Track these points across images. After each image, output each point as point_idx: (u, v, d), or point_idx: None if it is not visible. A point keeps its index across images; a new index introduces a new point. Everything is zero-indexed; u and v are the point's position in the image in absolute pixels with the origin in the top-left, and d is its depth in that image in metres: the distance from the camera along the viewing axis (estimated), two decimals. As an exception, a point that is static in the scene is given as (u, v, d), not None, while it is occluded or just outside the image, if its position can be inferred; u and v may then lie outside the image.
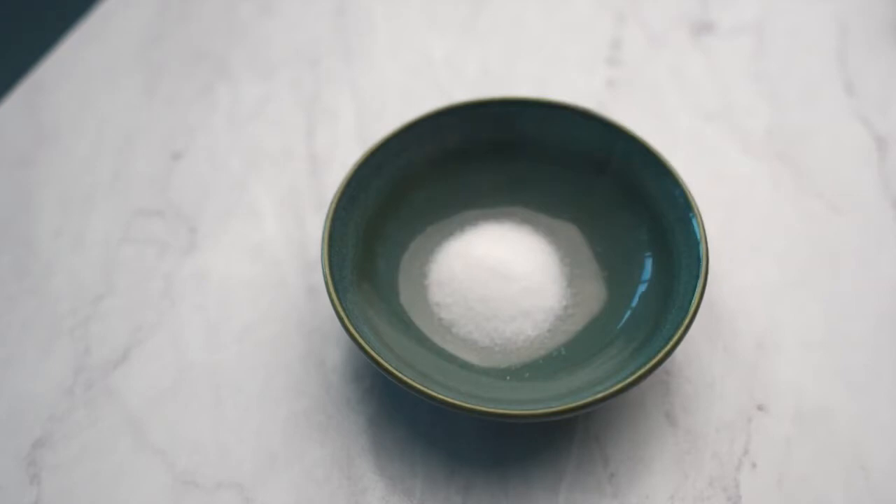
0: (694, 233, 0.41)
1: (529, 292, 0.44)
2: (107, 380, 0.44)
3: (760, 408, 0.42)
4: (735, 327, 0.45)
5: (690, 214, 0.42)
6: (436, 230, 0.47)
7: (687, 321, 0.38)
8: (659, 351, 0.38)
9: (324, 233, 0.42)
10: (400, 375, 0.37)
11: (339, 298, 0.40)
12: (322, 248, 0.41)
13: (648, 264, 0.44)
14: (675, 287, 0.41)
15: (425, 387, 0.37)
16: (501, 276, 0.44)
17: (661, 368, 0.41)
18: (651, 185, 0.44)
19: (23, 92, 0.56)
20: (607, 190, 0.46)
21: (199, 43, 0.59)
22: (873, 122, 0.53)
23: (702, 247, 0.41)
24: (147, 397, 0.43)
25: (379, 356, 0.38)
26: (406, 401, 0.42)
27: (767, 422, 0.42)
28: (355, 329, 0.39)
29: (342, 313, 0.39)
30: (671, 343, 0.38)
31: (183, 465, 0.41)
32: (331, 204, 0.43)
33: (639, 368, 0.38)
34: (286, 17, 0.61)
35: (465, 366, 0.42)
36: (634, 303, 0.43)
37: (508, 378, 0.42)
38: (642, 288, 0.43)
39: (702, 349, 0.44)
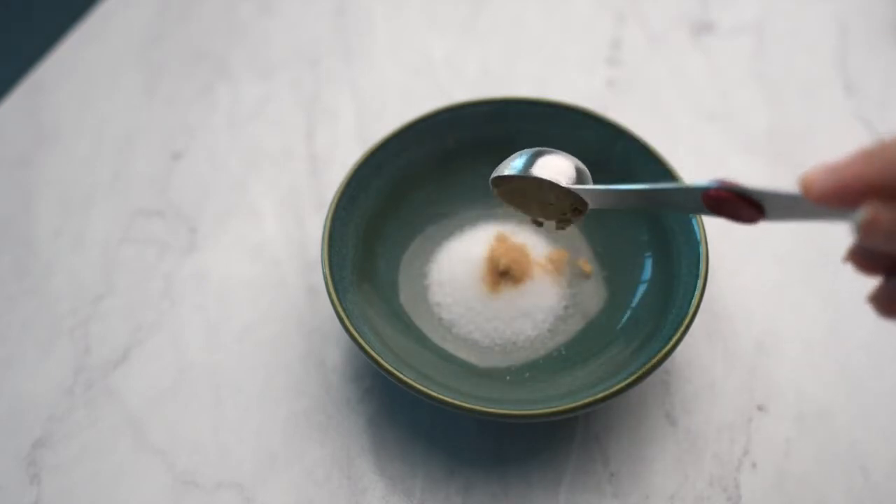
0: (694, 233, 0.41)
1: (530, 292, 0.44)
2: (107, 380, 0.44)
3: (760, 408, 0.42)
4: (735, 327, 0.45)
5: (690, 214, 0.42)
6: (436, 230, 0.47)
7: (687, 321, 0.38)
8: (659, 351, 0.38)
9: (324, 233, 0.42)
10: (400, 375, 0.37)
11: (339, 298, 0.40)
12: (322, 248, 0.41)
13: (648, 264, 0.44)
14: (675, 287, 0.41)
15: (425, 387, 0.37)
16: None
17: (661, 368, 0.41)
18: (651, 185, 0.44)
19: (23, 92, 0.56)
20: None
21: (199, 43, 0.59)
22: (873, 122, 0.53)
23: (702, 247, 0.40)
24: (147, 397, 0.43)
25: (379, 356, 0.38)
26: (406, 401, 0.42)
27: (767, 422, 0.42)
28: (355, 329, 0.39)
29: (342, 313, 0.39)
30: (671, 343, 0.38)
31: (183, 465, 0.41)
32: (331, 204, 0.43)
33: (639, 368, 0.38)
34: (286, 17, 0.61)
35: (465, 366, 0.42)
36: (634, 303, 0.43)
37: (508, 378, 0.42)
38: (642, 288, 0.43)
39: (702, 349, 0.44)
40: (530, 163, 0.38)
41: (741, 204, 0.29)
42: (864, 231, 0.25)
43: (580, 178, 0.37)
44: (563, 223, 0.39)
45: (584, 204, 0.37)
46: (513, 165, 0.38)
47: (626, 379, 0.37)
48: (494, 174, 0.39)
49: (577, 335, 0.43)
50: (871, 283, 0.46)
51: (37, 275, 0.48)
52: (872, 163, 0.25)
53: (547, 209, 0.39)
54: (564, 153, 0.38)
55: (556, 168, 0.37)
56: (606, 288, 0.45)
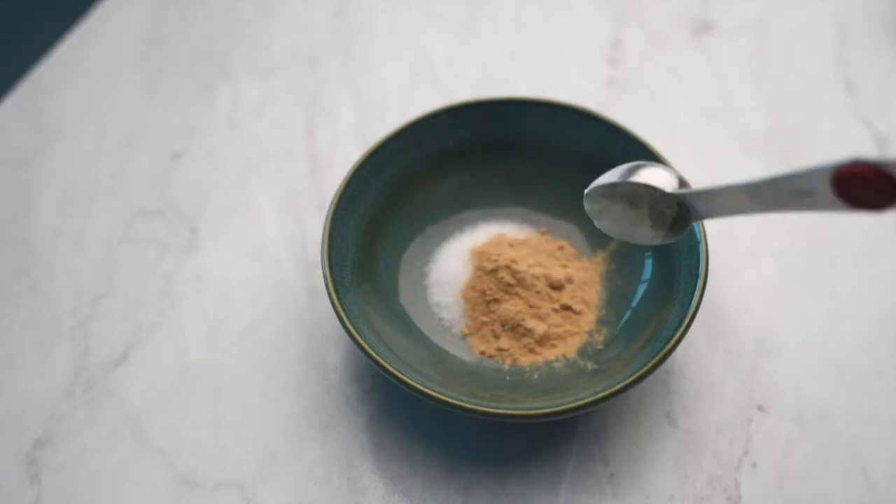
0: (694, 233, 0.41)
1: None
2: (107, 380, 0.44)
3: (760, 408, 0.42)
4: (735, 327, 0.45)
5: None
6: (436, 230, 0.47)
7: (687, 321, 0.38)
8: (659, 351, 0.38)
9: (324, 233, 0.42)
10: (400, 375, 0.37)
11: (339, 298, 0.40)
12: (322, 248, 0.41)
13: (648, 264, 0.44)
14: (675, 287, 0.41)
15: (425, 387, 0.37)
16: (501, 276, 0.44)
17: (661, 368, 0.41)
18: (651, 185, 0.44)
19: (23, 92, 0.56)
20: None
21: (200, 43, 0.59)
22: (873, 122, 0.53)
23: (702, 247, 0.40)
24: (147, 397, 0.43)
25: (379, 356, 0.38)
26: (406, 401, 0.42)
27: (767, 422, 0.41)
28: (355, 329, 0.39)
29: (342, 313, 0.39)
30: (671, 343, 0.38)
31: (183, 465, 0.41)
32: (331, 204, 0.43)
33: (639, 368, 0.38)
34: (286, 17, 0.61)
35: (464, 366, 0.42)
36: (634, 303, 0.43)
37: (508, 378, 0.42)
38: (642, 288, 0.43)
39: (702, 349, 0.44)
40: (631, 172, 0.36)
41: (879, 181, 0.26)
42: None
43: (683, 186, 0.35)
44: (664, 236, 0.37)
45: (689, 214, 0.35)
46: (611, 175, 0.37)
47: (626, 379, 0.37)
48: (593, 186, 0.37)
49: (577, 335, 0.43)
50: (871, 283, 0.46)
51: (37, 275, 0.48)
52: None
53: (640, 227, 0.37)
54: (662, 165, 0.36)
55: (659, 178, 0.35)
56: (607, 288, 0.45)
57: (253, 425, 0.42)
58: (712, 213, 0.35)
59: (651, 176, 0.36)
